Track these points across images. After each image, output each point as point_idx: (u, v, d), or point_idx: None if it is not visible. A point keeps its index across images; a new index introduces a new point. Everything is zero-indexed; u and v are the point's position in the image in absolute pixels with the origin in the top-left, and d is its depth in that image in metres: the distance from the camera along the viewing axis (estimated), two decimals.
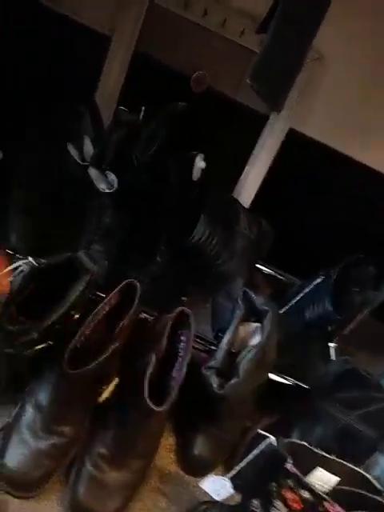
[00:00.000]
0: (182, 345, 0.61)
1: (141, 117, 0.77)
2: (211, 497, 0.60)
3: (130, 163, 0.75)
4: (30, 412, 0.62)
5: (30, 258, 0.56)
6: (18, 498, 0.60)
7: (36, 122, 0.83)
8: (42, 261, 0.57)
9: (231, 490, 0.56)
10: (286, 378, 0.80)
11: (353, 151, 0.96)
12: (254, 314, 0.64)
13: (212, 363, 0.61)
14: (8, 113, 0.87)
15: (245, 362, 0.59)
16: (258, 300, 0.63)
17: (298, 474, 0.44)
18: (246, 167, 1.02)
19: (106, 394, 0.66)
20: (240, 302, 0.64)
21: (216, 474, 0.74)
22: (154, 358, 0.56)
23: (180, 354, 0.60)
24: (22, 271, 0.54)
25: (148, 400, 0.53)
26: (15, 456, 0.60)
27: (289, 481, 0.45)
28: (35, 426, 0.61)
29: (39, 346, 0.59)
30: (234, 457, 0.73)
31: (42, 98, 0.88)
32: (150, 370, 0.55)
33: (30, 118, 0.82)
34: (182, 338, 0.62)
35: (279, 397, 0.77)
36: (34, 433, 0.61)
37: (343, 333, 0.89)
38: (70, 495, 0.60)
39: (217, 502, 0.59)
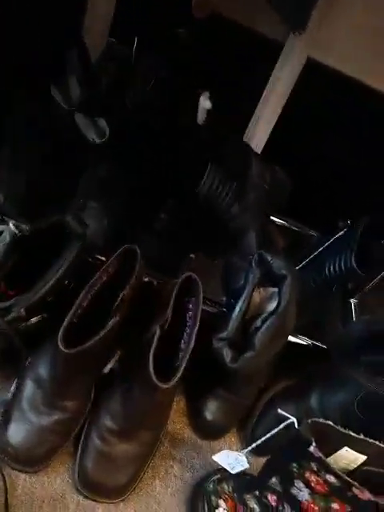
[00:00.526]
0: (189, 314, 0.55)
1: (134, 49, 0.66)
2: None
3: (124, 105, 0.65)
4: (30, 386, 0.59)
5: (11, 224, 0.49)
6: (25, 473, 0.58)
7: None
8: (25, 227, 0.50)
9: (246, 465, 0.53)
10: (302, 339, 0.75)
11: (381, 83, 0.83)
12: (269, 277, 0.58)
13: (224, 334, 0.56)
14: None
15: (261, 332, 0.53)
16: (276, 263, 0.56)
17: (323, 457, 0.40)
18: (258, 105, 0.90)
19: (109, 365, 0.62)
20: (255, 265, 0.58)
21: (229, 439, 0.72)
22: (158, 331, 0.51)
23: (188, 324, 0.55)
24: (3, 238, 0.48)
25: (154, 377, 0.49)
26: (18, 432, 0.57)
27: (312, 464, 0.41)
28: (36, 401, 0.58)
29: (33, 320, 0.54)
30: (247, 420, 0.70)
31: (21, 34, 0.76)
32: (154, 345, 0.50)
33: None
34: (190, 305, 0.56)
35: (297, 358, 0.72)
36: (35, 408, 0.58)
37: (364, 289, 0.82)
38: (78, 470, 0.58)
39: (231, 473, 0.56)
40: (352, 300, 0.84)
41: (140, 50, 0.67)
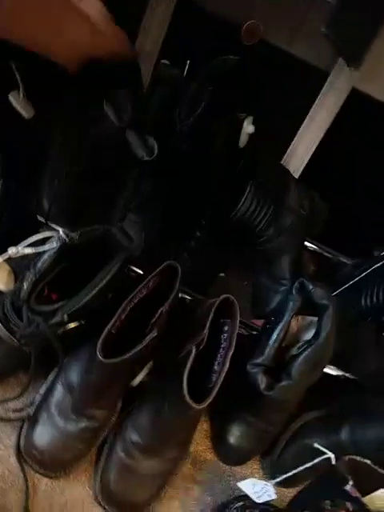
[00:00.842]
0: (224, 336, 0.55)
1: (185, 72, 0.68)
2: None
3: (173, 126, 0.67)
4: (60, 391, 0.60)
5: (61, 231, 0.50)
6: (47, 477, 0.59)
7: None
8: (73, 235, 0.51)
9: (274, 496, 0.52)
10: (334, 369, 0.73)
11: None
12: (309, 305, 0.57)
13: (259, 360, 0.55)
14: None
15: (299, 362, 0.52)
16: (317, 292, 0.56)
17: (360, 498, 0.39)
18: (299, 131, 0.91)
19: (139, 378, 0.62)
20: (295, 292, 0.57)
21: (251, 466, 0.70)
22: (194, 350, 0.51)
23: (222, 346, 0.55)
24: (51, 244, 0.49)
25: (188, 397, 0.48)
26: (45, 436, 0.58)
27: (348, 504, 0.40)
28: (66, 407, 0.58)
29: (71, 325, 0.55)
30: (273, 449, 0.69)
31: None
32: (189, 365, 0.50)
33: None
34: (226, 327, 0.56)
35: (327, 388, 0.71)
36: (64, 414, 0.58)
37: None
38: (100, 480, 0.58)
39: (256, 502, 0.54)
40: None
41: (191, 73, 0.69)
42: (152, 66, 0.82)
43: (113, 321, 0.52)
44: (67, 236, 0.50)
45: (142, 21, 0.84)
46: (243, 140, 0.79)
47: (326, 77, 0.85)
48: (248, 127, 0.78)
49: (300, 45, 0.84)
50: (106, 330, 0.51)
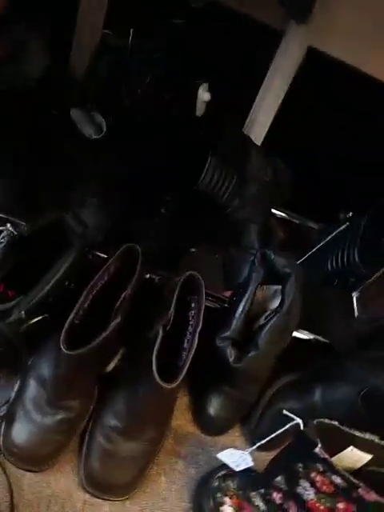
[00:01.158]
0: (192, 313, 0.55)
1: (130, 41, 0.64)
2: None
3: (121, 99, 0.63)
4: (33, 387, 0.59)
5: (9, 225, 0.48)
6: (30, 472, 0.58)
7: None
8: (23, 227, 0.49)
9: (251, 463, 0.53)
10: (305, 333, 0.75)
11: (382, 73, 0.82)
12: (273, 275, 0.57)
13: (227, 333, 0.55)
14: None
15: (265, 332, 0.53)
16: (279, 261, 0.55)
17: (329, 459, 0.40)
18: (257, 96, 0.88)
19: (112, 364, 0.62)
20: (257, 263, 0.57)
21: (233, 434, 0.72)
22: (161, 331, 0.50)
23: (190, 323, 0.54)
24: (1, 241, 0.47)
25: (158, 378, 0.48)
26: (22, 432, 0.57)
27: (318, 465, 0.41)
28: (40, 401, 0.58)
29: (34, 320, 0.54)
30: (251, 416, 0.70)
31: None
32: (157, 346, 0.49)
33: None
34: (193, 304, 0.55)
35: (299, 353, 0.72)
36: (40, 409, 0.57)
37: (366, 284, 0.82)
38: (84, 469, 0.58)
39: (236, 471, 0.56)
40: (354, 294, 0.83)
41: (136, 41, 0.66)
42: (97, 37, 0.77)
43: (75, 311, 0.51)
44: (16, 228, 0.48)
45: None
46: (200, 108, 0.76)
47: (281, 38, 0.82)
48: (203, 95, 0.75)
49: (252, 3, 0.80)
50: (68, 321, 0.50)
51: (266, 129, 0.90)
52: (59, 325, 0.55)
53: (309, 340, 0.75)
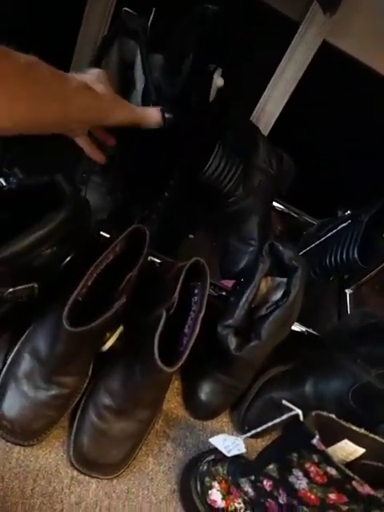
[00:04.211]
0: (195, 299, 0.55)
1: (150, 22, 0.61)
2: None
3: (152, 88, 0.61)
4: (27, 360, 0.58)
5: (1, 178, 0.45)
6: (20, 445, 0.58)
7: None
8: (13, 179, 0.47)
9: (243, 450, 0.54)
10: (298, 326, 0.76)
11: None
12: (278, 267, 0.57)
13: (230, 322, 0.55)
14: None
15: (268, 322, 0.53)
16: (287, 254, 0.56)
17: (326, 451, 0.41)
18: (269, 85, 0.88)
19: (109, 343, 0.61)
20: (265, 254, 0.57)
21: (222, 419, 0.73)
22: (164, 315, 0.50)
23: (193, 309, 0.54)
24: None
25: (159, 361, 0.48)
26: (14, 405, 0.57)
27: (314, 456, 0.42)
28: (34, 375, 0.57)
29: (19, 287, 0.52)
30: (241, 403, 0.71)
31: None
32: (160, 329, 0.49)
33: None
34: (196, 290, 0.55)
35: (292, 344, 0.73)
36: (33, 383, 0.57)
37: (361, 281, 0.83)
38: (73, 445, 0.59)
39: (226, 456, 0.57)
40: (348, 290, 0.85)
41: (156, 23, 0.63)
42: (110, 13, 0.75)
43: (79, 288, 0.50)
44: (6, 180, 0.45)
45: None
46: (212, 94, 0.75)
47: (297, 29, 0.81)
48: (217, 80, 0.73)
49: None
50: (71, 298, 0.49)
51: (274, 119, 0.89)
52: (58, 300, 0.55)
53: (301, 332, 0.76)
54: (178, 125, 0.56)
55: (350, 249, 0.69)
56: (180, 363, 0.50)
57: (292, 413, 0.43)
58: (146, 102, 0.61)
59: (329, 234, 0.75)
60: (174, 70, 0.58)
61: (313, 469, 0.42)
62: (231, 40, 0.82)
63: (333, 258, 0.74)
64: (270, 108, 0.89)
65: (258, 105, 0.90)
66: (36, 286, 0.53)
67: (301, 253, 0.79)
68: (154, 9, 0.60)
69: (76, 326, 0.50)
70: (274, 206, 0.99)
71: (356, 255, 0.68)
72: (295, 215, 1.01)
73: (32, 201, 0.49)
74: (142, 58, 0.58)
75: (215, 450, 0.60)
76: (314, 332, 0.77)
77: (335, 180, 0.96)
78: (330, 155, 0.97)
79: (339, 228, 0.74)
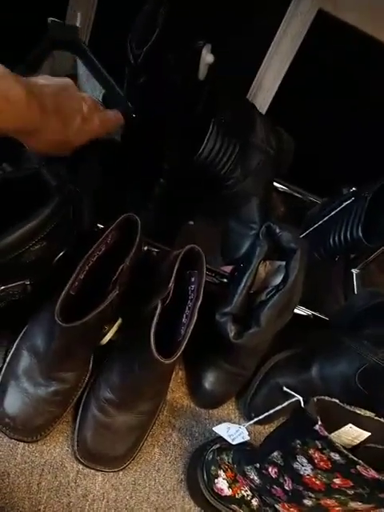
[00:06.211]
0: (192, 287, 0.53)
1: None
2: None
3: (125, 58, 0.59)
4: (26, 357, 0.57)
5: None
6: (23, 442, 0.58)
7: None
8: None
9: (247, 437, 0.53)
10: (303, 310, 0.74)
11: None
12: (277, 250, 0.55)
13: (228, 309, 0.54)
14: None
15: (267, 308, 0.51)
16: (285, 236, 0.53)
17: (329, 437, 0.39)
18: (264, 60, 0.84)
19: (108, 337, 0.60)
20: (262, 237, 0.55)
21: (228, 407, 0.72)
22: (160, 305, 0.49)
23: (190, 298, 0.53)
24: None
25: (156, 353, 0.47)
26: (15, 403, 0.56)
27: (317, 442, 0.41)
28: (33, 372, 0.56)
29: (11, 285, 0.50)
30: (246, 390, 0.70)
31: None
32: (155, 320, 0.48)
33: None
34: (192, 278, 0.53)
35: (297, 328, 0.72)
36: (32, 379, 0.56)
37: (367, 260, 0.81)
38: (77, 440, 0.58)
39: (231, 444, 0.56)
40: (354, 270, 0.82)
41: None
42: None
43: (71, 281, 0.49)
44: None
45: None
46: (202, 71, 0.71)
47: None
48: (207, 56, 0.70)
49: None
50: (63, 292, 0.48)
51: (272, 95, 0.86)
52: (52, 296, 0.53)
53: (306, 316, 0.74)
54: (163, 107, 0.53)
55: (354, 227, 0.67)
56: (178, 354, 0.48)
57: (293, 399, 0.41)
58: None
59: (332, 213, 0.72)
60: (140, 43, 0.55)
61: (317, 455, 0.41)
62: (223, 14, 0.79)
63: (337, 238, 0.71)
64: (266, 84, 0.86)
65: (255, 81, 0.87)
66: (28, 283, 0.52)
67: (304, 234, 0.77)
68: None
69: (71, 320, 0.48)
70: (275, 187, 0.96)
71: (360, 233, 0.66)
72: (298, 195, 0.98)
73: (17, 196, 0.47)
74: (94, 69, 0.56)
75: (220, 438, 0.60)
76: (320, 315, 0.75)
77: (338, 156, 0.92)
78: (332, 131, 0.93)
79: (342, 206, 0.71)
